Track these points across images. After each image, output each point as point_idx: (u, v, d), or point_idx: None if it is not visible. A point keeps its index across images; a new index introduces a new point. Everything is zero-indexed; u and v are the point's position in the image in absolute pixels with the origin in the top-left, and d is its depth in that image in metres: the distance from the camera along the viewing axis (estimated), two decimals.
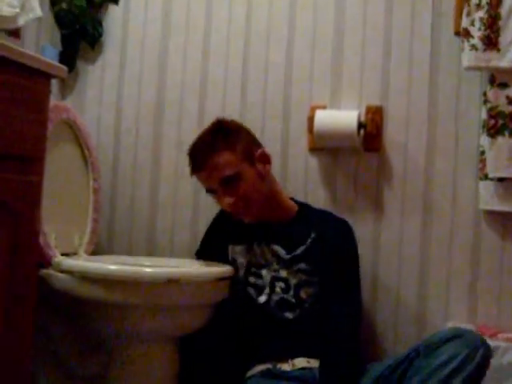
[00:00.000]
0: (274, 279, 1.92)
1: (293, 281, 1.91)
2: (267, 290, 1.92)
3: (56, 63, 1.58)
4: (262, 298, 1.92)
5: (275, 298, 1.91)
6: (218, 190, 1.89)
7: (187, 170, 2.25)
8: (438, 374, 1.62)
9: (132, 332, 1.87)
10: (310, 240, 1.92)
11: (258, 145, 1.96)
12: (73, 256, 2.06)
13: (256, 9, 2.27)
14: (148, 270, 1.85)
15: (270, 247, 1.94)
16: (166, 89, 2.34)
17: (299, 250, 1.92)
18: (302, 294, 1.90)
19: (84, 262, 1.94)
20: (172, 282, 1.78)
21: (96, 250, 2.23)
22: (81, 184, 2.18)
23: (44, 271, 1.89)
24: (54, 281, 1.87)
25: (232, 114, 2.20)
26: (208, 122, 2.21)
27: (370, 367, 1.83)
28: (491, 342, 1.87)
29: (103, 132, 2.39)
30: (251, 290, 1.94)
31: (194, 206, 2.30)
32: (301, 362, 1.85)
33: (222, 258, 1.99)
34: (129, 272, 1.81)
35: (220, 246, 2.02)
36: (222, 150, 1.86)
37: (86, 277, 1.82)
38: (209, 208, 2.25)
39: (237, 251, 1.98)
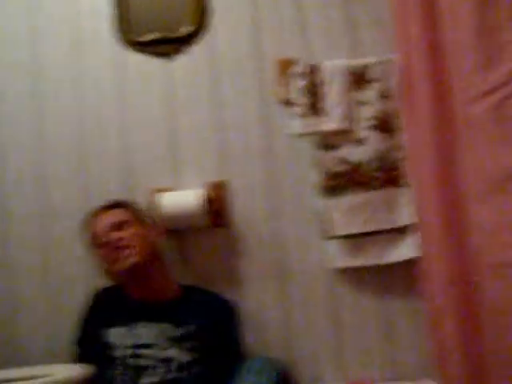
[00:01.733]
0: (161, 359, 1.89)
1: (181, 359, 1.89)
2: (154, 370, 1.88)
3: None
4: (146, 380, 1.87)
5: (160, 378, 1.87)
6: (109, 232, 1.95)
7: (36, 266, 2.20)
8: None
9: None
10: (195, 319, 1.94)
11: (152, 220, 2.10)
12: None
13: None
14: None
15: (155, 325, 1.93)
16: None
17: (187, 329, 1.92)
18: (190, 373, 1.88)
19: None
20: None
21: None
22: None
23: None
24: None
25: (76, 208, 2.19)
26: (56, 216, 2.24)
27: None
28: None
29: None
30: (132, 373, 1.88)
31: (50, 307, 2.22)
32: None
33: (103, 343, 1.95)
34: None
35: (99, 331, 1.97)
36: (117, 208, 2.03)
37: None
38: (65, 307, 2.20)
39: (118, 333, 1.94)
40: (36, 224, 2.26)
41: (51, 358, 2.18)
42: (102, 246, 1.96)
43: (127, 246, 1.94)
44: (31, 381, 1.81)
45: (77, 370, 1.89)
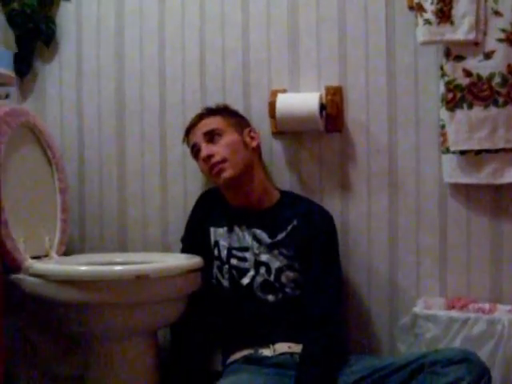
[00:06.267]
0: (257, 262, 1.95)
1: (274, 265, 1.94)
2: (252, 272, 1.94)
3: (2, 71, 1.56)
4: (246, 280, 1.94)
5: (259, 279, 1.94)
6: (201, 144, 1.99)
7: (154, 162, 2.30)
8: None
9: (107, 330, 1.89)
10: (291, 226, 1.95)
11: (250, 126, 2.10)
12: (44, 259, 2.06)
13: None
14: (117, 268, 1.86)
15: (252, 231, 1.97)
16: (126, 83, 2.32)
17: (280, 236, 1.95)
18: (283, 279, 1.93)
19: (53, 265, 1.94)
20: (141, 278, 1.80)
21: (68, 250, 2.22)
22: (47, 185, 2.17)
23: (14, 276, 1.90)
24: (25, 285, 1.89)
25: (193, 103, 2.22)
26: (169, 112, 2.29)
27: (354, 360, 1.83)
28: (462, 314, 1.91)
29: (66, 131, 2.37)
30: (234, 272, 1.96)
31: (163, 199, 2.30)
32: (282, 347, 1.87)
33: (205, 242, 2.02)
34: (98, 272, 1.83)
35: (202, 230, 2.05)
36: (216, 114, 2.05)
37: (56, 280, 1.83)
38: (177, 201, 2.28)
39: (219, 234, 2.01)
40: (154, 118, 2.31)
41: (163, 249, 2.30)
42: (199, 159, 2.01)
43: (219, 162, 1.95)
44: (143, 265, 1.92)
45: (188, 259, 1.99)
